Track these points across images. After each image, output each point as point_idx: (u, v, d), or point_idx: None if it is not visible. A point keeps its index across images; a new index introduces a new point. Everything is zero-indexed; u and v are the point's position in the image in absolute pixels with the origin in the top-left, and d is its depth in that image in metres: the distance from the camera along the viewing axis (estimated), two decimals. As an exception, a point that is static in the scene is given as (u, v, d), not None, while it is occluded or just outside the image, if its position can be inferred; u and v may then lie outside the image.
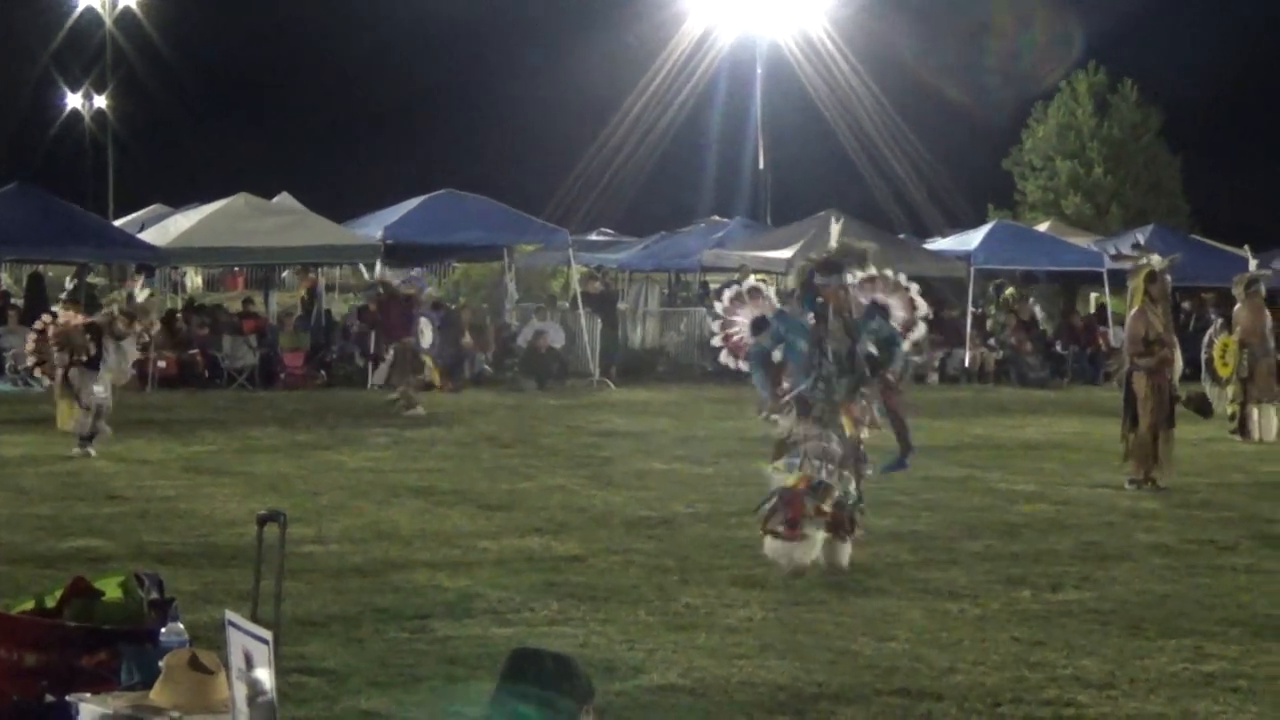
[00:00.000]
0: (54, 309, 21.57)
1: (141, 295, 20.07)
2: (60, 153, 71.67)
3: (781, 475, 12.02)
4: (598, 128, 56.93)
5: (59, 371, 19.35)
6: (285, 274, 43.30)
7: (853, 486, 12.09)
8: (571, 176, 54.79)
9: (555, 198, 50.62)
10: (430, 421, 23.45)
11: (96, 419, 18.92)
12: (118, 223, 40.57)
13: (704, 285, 40.07)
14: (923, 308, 12.94)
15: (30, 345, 20.04)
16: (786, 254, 33.80)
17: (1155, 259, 17.87)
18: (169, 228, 32.59)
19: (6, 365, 28.37)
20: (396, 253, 32.14)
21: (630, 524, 14.29)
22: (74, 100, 73.40)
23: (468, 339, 31.69)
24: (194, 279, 52.25)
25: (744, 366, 12.90)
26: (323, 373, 30.65)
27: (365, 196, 41.27)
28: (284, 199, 38.98)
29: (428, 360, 25.60)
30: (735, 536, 13.45)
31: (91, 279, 35.66)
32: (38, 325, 20.08)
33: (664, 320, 37.32)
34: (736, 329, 13.11)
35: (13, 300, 33.50)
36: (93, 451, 18.65)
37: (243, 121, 76.28)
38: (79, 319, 19.65)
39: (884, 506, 14.20)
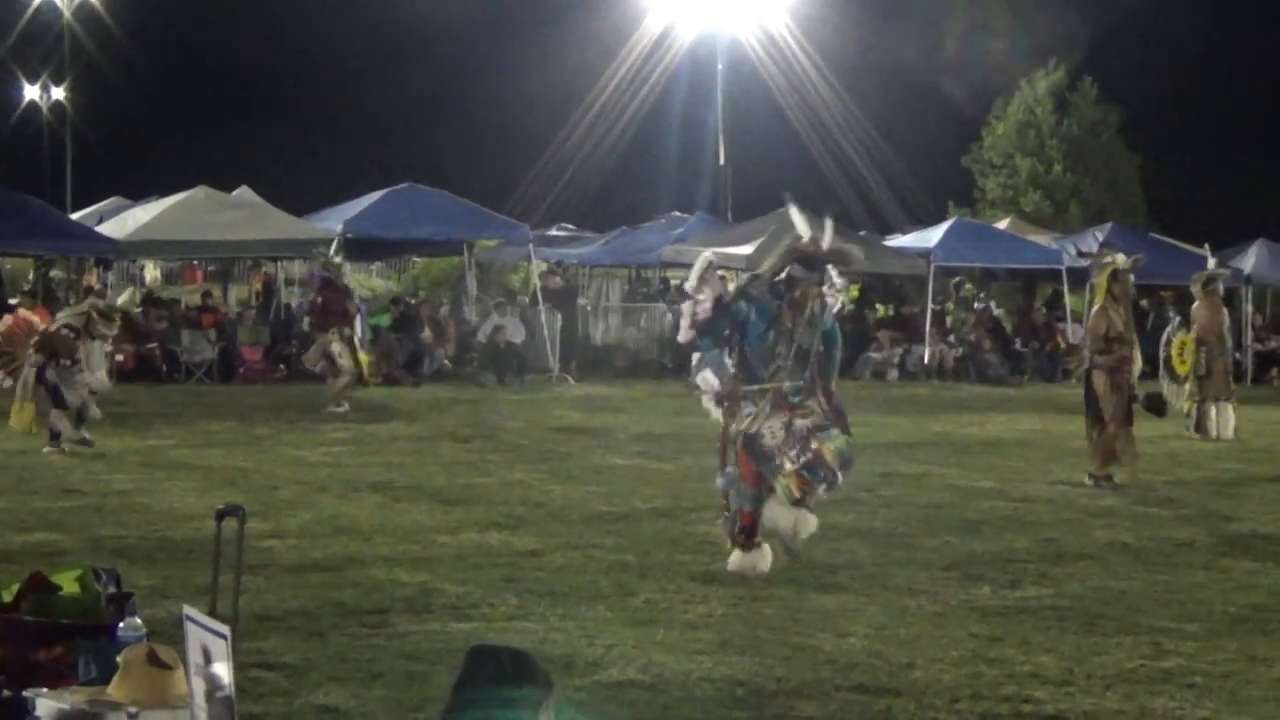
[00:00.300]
0: (12, 302, 21.37)
1: (124, 296, 19.93)
2: (17, 145, 71.31)
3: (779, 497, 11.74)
4: (559, 123, 56.95)
5: (31, 372, 18.99)
6: (265, 268, 43.13)
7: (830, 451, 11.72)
8: (532, 172, 54.85)
9: (516, 193, 50.71)
10: (389, 416, 23.41)
11: (85, 407, 18.83)
12: (76, 215, 40.42)
13: (664, 281, 40.06)
14: (839, 284, 12.48)
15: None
16: (747, 249, 33.83)
17: (1120, 258, 17.95)
18: (127, 221, 32.44)
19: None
20: (356, 247, 32.10)
21: (589, 519, 14.31)
22: (31, 92, 73.10)
23: (427, 334, 31.66)
24: (152, 272, 52.00)
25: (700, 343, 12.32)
26: (282, 367, 30.56)
27: (325, 191, 41.26)
28: (243, 192, 38.71)
29: (361, 353, 25.25)
30: (694, 532, 13.47)
31: (53, 273, 35.53)
32: (2, 324, 19.69)
33: (624, 316, 37.38)
34: (702, 307, 12.40)
35: (-31, 293, 33.34)
36: (69, 448, 18.45)
37: (202, 115, 76.03)
38: (59, 323, 19.24)
39: (843, 503, 14.21)
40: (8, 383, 19.43)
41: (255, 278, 37.31)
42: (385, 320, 31.85)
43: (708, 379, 12.32)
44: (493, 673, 5.76)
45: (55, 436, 18.60)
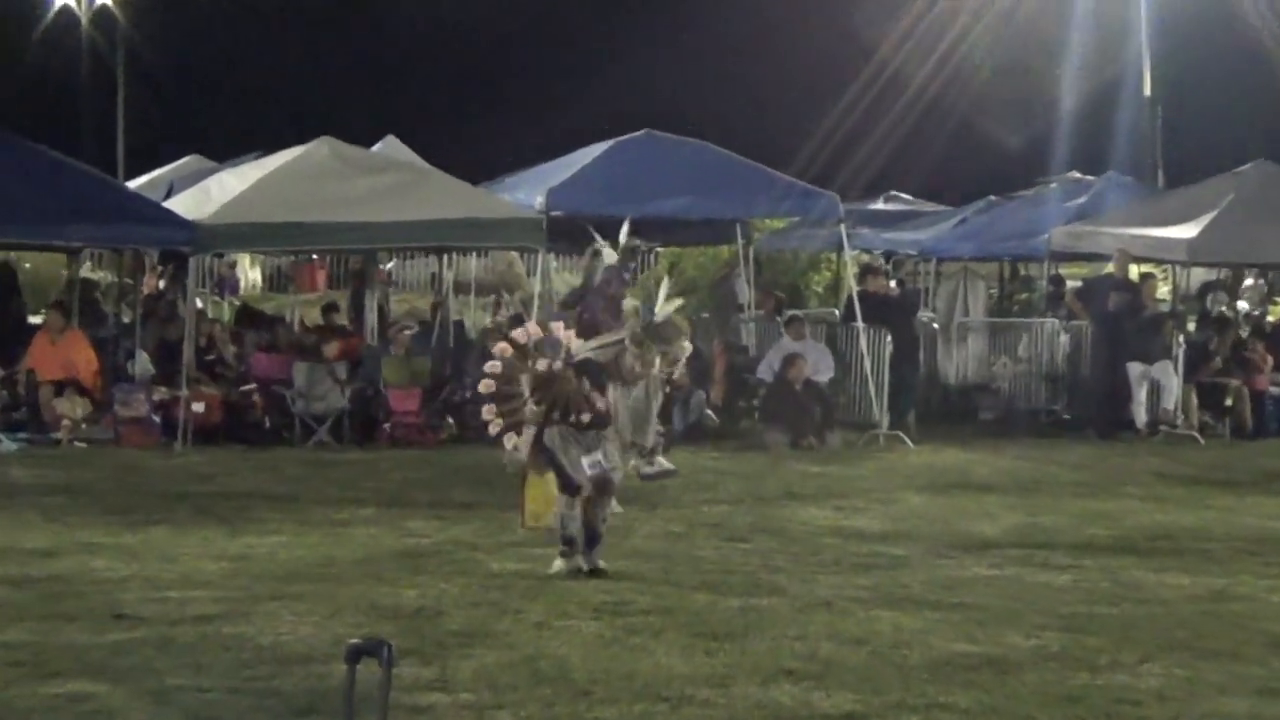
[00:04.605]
0: (34, 320, 21.42)
1: (664, 306, 18.92)
2: (45, 76, 72.59)
3: None
4: (879, 43, 56.90)
5: (530, 432, 18.14)
6: (390, 264, 43.56)
7: None
8: (840, 115, 54.72)
9: (814, 147, 50.54)
10: (620, 498, 23.40)
11: (594, 506, 18.13)
12: (132, 184, 41.10)
13: (1056, 281, 39.78)
14: None
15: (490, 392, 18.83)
16: (1188, 231, 33.53)
17: None
18: (211, 192, 32.70)
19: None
20: (564, 231, 31.99)
21: (937, 664, 14.22)
22: (64, -6, 74.37)
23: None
24: (250, 273, 52.84)
25: None
26: (450, 422, 30.77)
27: (512, 146, 41.59)
28: (389, 146, 39.17)
29: None
30: (1103, 684, 13.34)
31: (88, 273, 36.21)
32: (489, 366, 18.91)
33: (992, 337, 37.15)
34: None
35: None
36: (584, 564, 17.97)
37: (321, 36, 76.92)
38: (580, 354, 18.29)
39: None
40: (510, 442, 18.61)
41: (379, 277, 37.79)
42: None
43: None
44: None
45: (568, 544, 18.10)
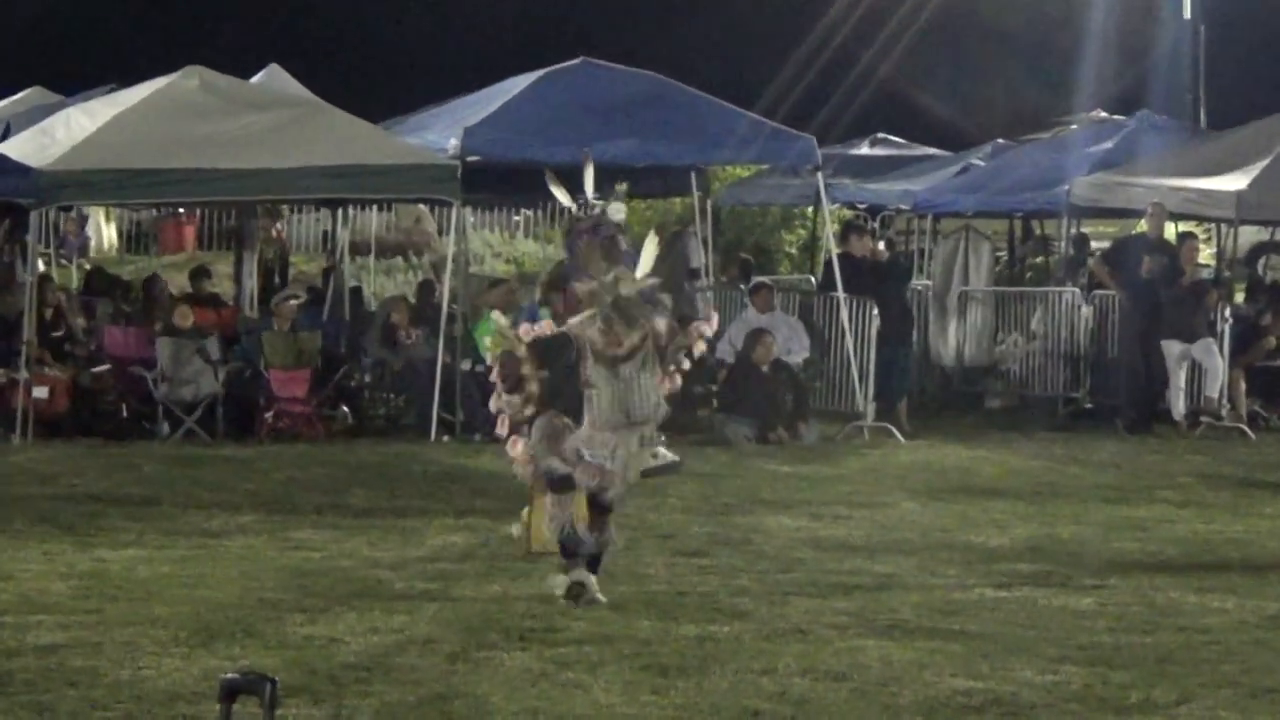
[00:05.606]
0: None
1: (631, 281, 18.35)
2: None
3: None
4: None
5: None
6: (280, 224, 43.48)
7: None
8: (819, 41, 54.78)
9: (787, 79, 50.56)
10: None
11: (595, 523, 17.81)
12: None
13: (1078, 242, 39.82)
14: None
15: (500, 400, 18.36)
16: (1236, 182, 33.58)
17: None
18: (56, 132, 32.62)
19: None
20: (481, 179, 31.91)
21: (933, 705, 14.25)
22: None
23: (620, 344, 31.76)
24: (105, 230, 52.74)
25: None
26: (345, 411, 30.75)
27: (420, 78, 41.55)
28: (271, 76, 39.08)
29: None
30: (1136, 728, 13.41)
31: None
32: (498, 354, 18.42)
33: (999, 310, 37.23)
34: None
35: None
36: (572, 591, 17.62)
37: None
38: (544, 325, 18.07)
39: None
40: (514, 447, 18.20)
41: (265, 239, 37.69)
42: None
43: None
44: None
45: (568, 554, 17.74)
